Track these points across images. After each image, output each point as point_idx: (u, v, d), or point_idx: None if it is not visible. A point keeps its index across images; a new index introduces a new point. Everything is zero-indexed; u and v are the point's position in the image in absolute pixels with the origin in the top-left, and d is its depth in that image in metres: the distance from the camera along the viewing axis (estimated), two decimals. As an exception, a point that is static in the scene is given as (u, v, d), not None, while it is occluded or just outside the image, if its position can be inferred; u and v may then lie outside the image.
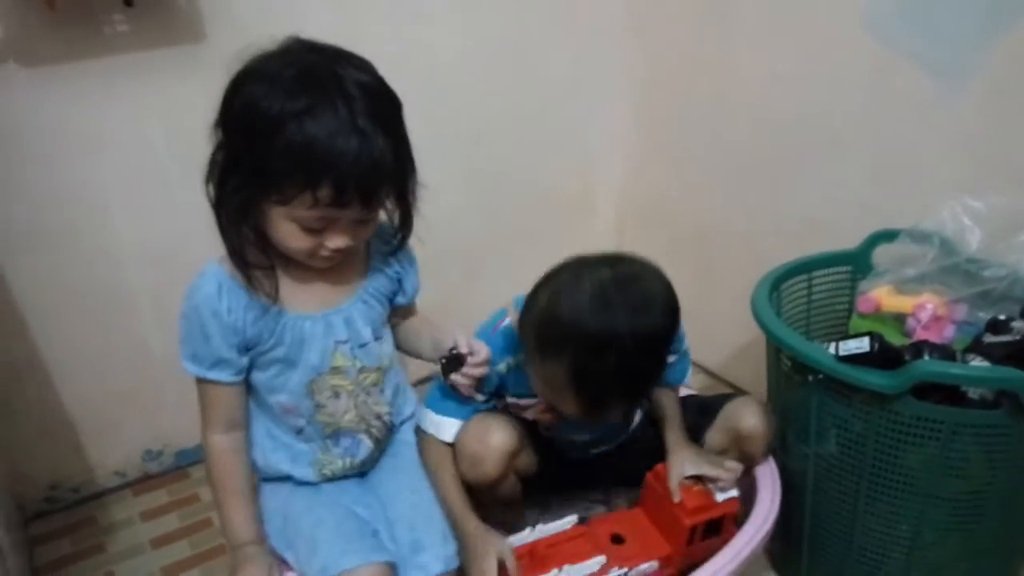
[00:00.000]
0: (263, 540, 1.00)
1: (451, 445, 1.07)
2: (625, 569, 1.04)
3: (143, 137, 1.34)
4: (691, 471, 1.07)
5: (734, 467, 1.08)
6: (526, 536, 1.06)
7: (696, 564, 1.01)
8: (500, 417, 1.08)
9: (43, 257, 1.33)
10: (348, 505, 1.04)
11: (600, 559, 1.03)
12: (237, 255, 0.92)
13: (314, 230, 0.90)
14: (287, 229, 0.90)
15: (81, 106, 1.27)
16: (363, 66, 0.90)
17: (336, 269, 1.00)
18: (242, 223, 0.91)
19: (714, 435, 1.16)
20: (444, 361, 1.02)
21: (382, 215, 0.98)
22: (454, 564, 1.01)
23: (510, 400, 1.11)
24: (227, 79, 0.88)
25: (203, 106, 0.89)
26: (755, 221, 1.61)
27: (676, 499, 1.05)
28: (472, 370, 1.01)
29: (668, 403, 1.16)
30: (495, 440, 1.04)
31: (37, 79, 1.23)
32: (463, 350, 1.01)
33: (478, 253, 1.77)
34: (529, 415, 1.11)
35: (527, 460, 1.12)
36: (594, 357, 0.89)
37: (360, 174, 0.86)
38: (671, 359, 1.12)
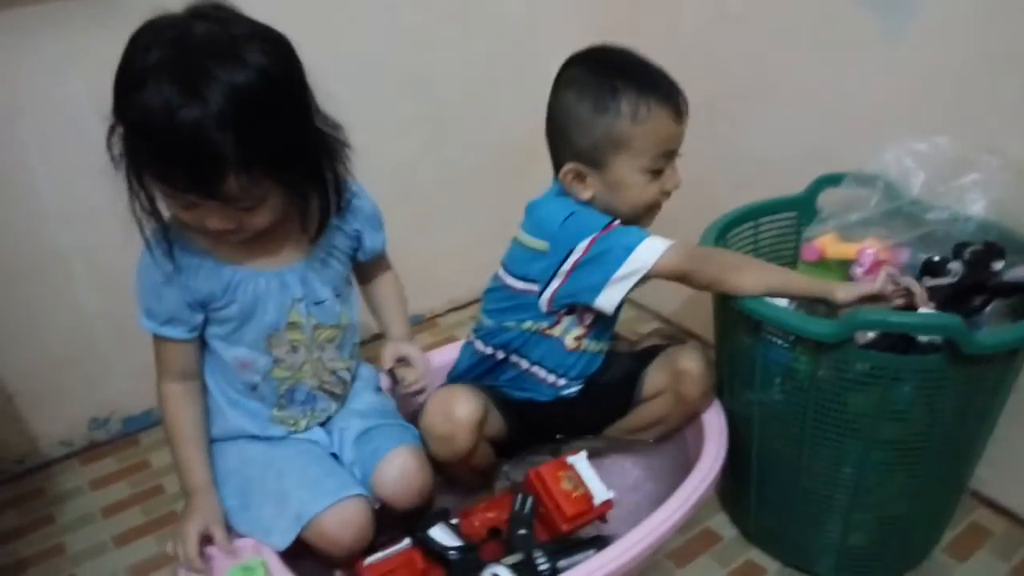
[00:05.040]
0: (213, 488, 1.00)
1: None
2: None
3: (63, 93, 1.26)
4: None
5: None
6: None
7: None
8: (460, 388, 1.08)
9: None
10: (307, 448, 1.05)
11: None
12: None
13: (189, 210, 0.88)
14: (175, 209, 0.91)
15: (-7, 62, 1.20)
16: (259, 50, 0.82)
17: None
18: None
19: (653, 374, 1.16)
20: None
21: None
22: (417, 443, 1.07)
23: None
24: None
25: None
26: (705, 165, 1.58)
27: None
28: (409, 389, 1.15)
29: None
30: (461, 412, 1.03)
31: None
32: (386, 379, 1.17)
33: (427, 201, 1.75)
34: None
35: (495, 423, 1.11)
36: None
37: (188, 163, 0.82)
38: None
